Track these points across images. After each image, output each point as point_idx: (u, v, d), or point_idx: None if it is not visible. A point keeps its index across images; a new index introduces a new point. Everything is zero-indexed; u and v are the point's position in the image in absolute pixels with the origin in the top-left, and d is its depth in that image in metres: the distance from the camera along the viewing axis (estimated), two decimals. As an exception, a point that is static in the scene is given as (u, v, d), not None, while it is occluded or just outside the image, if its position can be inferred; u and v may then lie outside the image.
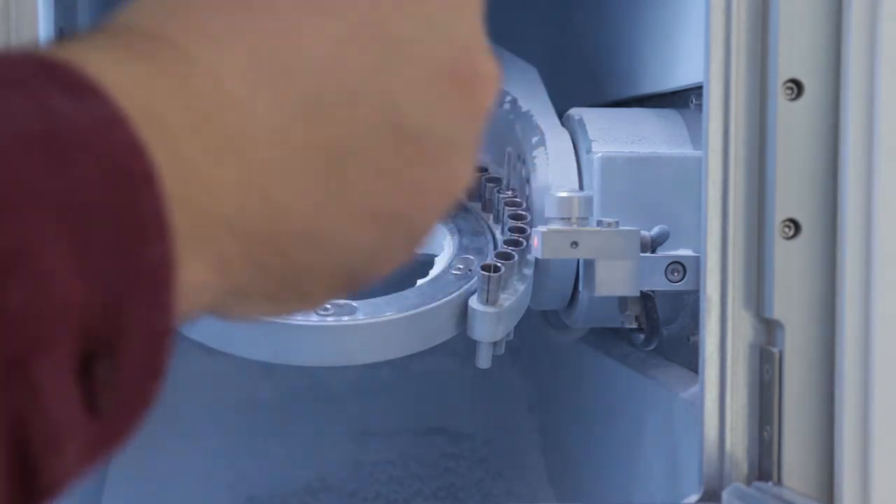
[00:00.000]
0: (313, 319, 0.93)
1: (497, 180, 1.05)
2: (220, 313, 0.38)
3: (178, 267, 0.32)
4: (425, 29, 0.37)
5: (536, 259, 0.99)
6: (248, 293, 0.36)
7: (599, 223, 0.98)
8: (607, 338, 1.24)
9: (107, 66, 0.32)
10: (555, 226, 0.97)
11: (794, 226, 0.82)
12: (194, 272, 0.34)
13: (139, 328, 0.31)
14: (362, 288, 0.39)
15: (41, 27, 0.82)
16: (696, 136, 1.05)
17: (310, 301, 0.38)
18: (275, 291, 0.37)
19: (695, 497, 0.84)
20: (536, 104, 1.12)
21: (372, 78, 0.36)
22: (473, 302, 0.95)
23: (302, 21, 0.35)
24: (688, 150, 1.05)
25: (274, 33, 0.35)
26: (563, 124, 1.11)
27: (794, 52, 0.81)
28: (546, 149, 1.07)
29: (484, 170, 1.07)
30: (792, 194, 0.81)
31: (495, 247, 1.01)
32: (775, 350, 0.82)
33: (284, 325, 0.93)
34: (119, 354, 0.31)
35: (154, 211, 0.31)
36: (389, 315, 0.94)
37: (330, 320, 0.93)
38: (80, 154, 0.30)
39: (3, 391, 0.29)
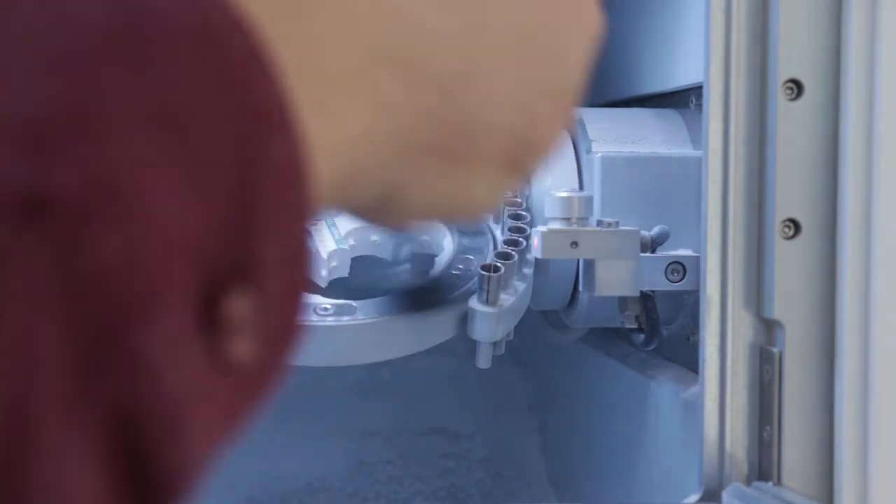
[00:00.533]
0: (313, 319, 0.93)
1: (497, 180, 1.05)
2: (392, 188, 0.33)
3: (327, 122, 0.28)
4: None
5: (536, 259, 0.99)
6: (417, 145, 0.32)
7: (599, 223, 0.98)
8: (607, 338, 1.24)
9: None
10: (555, 226, 0.97)
11: (794, 226, 0.82)
12: (354, 118, 0.30)
13: (274, 243, 0.26)
14: (536, 161, 0.36)
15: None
16: (696, 136, 1.05)
17: (481, 162, 0.34)
18: (448, 147, 0.33)
19: (695, 497, 0.84)
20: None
21: None
22: (473, 302, 0.95)
23: None
24: (688, 150, 1.05)
25: None
26: (563, 124, 1.10)
27: (794, 52, 0.81)
28: (546, 149, 1.07)
29: (484, 170, 1.07)
30: (792, 194, 0.81)
31: (495, 247, 1.01)
32: (775, 350, 0.82)
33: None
34: (255, 281, 0.25)
35: (269, 100, 0.26)
36: (389, 315, 0.94)
37: (330, 320, 0.93)
38: (170, 47, 0.24)
39: (98, 378, 0.22)
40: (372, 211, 0.34)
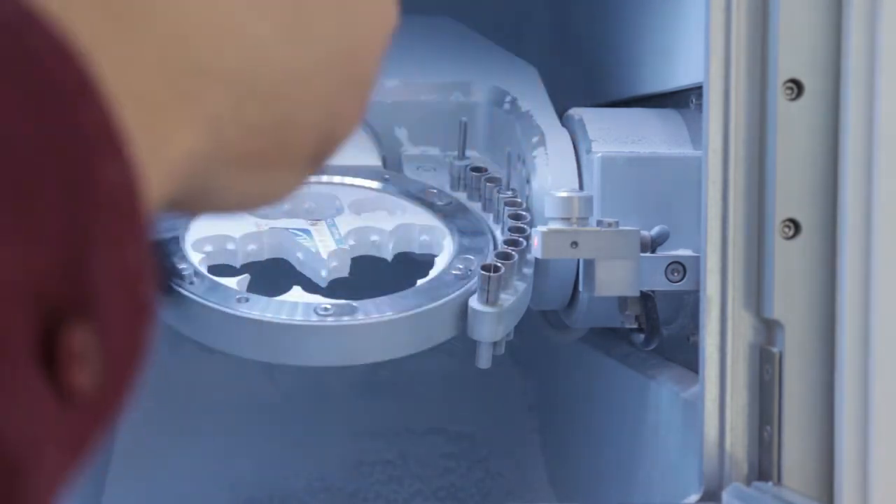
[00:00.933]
0: (313, 319, 0.93)
1: (497, 180, 1.05)
2: (207, 189, 0.34)
3: (156, 146, 0.28)
4: None
5: (536, 259, 0.99)
6: (238, 154, 0.33)
7: (599, 223, 0.98)
8: (607, 338, 1.24)
9: None
10: (555, 226, 0.97)
11: (794, 226, 0.82)
12: (186, 136, 0.30)
13: (111, 266, 0.25)
14: (334, 151, 0.38)
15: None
16: (696, 136, 1.05)
17: (293, 171, 0.36)
18: (263, 150, 0.34)
19: (695, 497, 0.84)
20: (536, 104, 1.12)
21: None
22: (473, 302, 0.95)
23: None
24: (688, 150, 1.05)
25: None
26: (563, 124, 1.10)
27: (794, 52, 0.81)
28: (546, 149, 1.07)
29: (484, 170, 1.07)
30: (792, 194, 0.81)
31: (495, 247, 1.01)
32: (775, 350, 0.82)
33: (284, 325, 0.93)
34: (93, 313, 0.25)
35: (97, 124, 0.25)
36: (389, 315, 0.94)
37: (330, 320, 0.93)
38: None
39: None
40: (182, 206, 0.35)
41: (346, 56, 0.36)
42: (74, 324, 0.25)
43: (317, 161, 0.37)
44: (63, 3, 0.26)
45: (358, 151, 1.08)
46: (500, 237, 1.01)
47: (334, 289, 0.99)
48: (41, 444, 0.24)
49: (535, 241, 0.97)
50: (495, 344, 0.96)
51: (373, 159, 1.10)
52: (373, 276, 1.02)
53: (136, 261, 0.26)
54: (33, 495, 0.24)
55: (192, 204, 0.35)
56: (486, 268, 0.94)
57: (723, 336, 0.84)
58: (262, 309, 0.93)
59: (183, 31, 0.30)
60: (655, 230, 1.00)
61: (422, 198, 1.06)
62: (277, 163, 0.35)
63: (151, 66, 0.29)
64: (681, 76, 1.06)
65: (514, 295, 0.96)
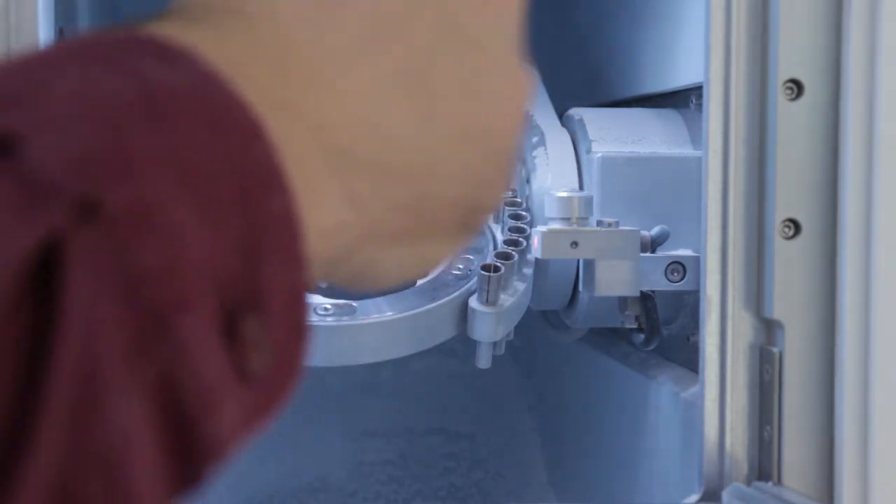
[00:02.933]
0: (313, 320, 0.93)
1: (497, 180, 1.05)
2: (365, 264, 0.37)
3: (309, 213, 0.32)
4: None
5: (536, 259, 0.99)
6: (385, 231, 0.37)
7: (599, 223, 0.98)
8: (607, 338, 1.24)
9: (179, 33, 0.32)
10: (555, 226, 0.97)
11: (794, 226, 0.82)
12: (333, 210, 0.34)
13: (278, 282, 0.30)
14: (483, 221, 0.41)
15: (41, 27, 0.82)
16: (696, 136, 1.05)
17: (440, 232, 0.39)
18: (409, 226, 0.37)
19: (695, 497, 0.84)
20: (536, 104, 1.12)
21: None
22: (473, 302, 0.95)
23: None
24: (688, 150, 1.05)
25: None
26: (563, 124, 1.11)
27: (794, 52, 0.81)
28: (546, 149, 1.07)
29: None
30: (792, 194, 0.81)
31: (495, 247, 1.01)
32: (775, 350, 0.82)
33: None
34: (264, 311, 0.30)
35: (268, 162, 0.31)
36: (389, 315, 0.94)
37: (330, 320, 0.93)
38: (184, 114, 0.30)
39: (148, 352, 0.27)
40: (347, 281, 0.39)
41: (481, 133, 0.38)
42: (249, 317, 0.29)
43: (469, 228, 0.40)
44: (241, 80, 0.32)
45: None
46: (500, 237, 1.01)
47: (334, 289, 0.99)
48: (222, 394, 0.29)
49: (535, 241, 0.97)
50: (495, 344, 0.96)
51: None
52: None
53: (297, 281, 0.31)
54: (215, 426, 0.29)
55: (355, 278, 0.39)
56: (485, 268, 0.94)
57: (723, 336, 0.84)
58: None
59: (327, 121, 0.34)
60: (655, 230, 1.00)
61: (422, 198, 1.06)
62: (426, 235, 0.38)
63: (304, 146, 0.33)
64: (681, 76, 1.06)
65: (513, 295, 0.96)
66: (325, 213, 0.34)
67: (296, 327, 0.31)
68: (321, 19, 0.35)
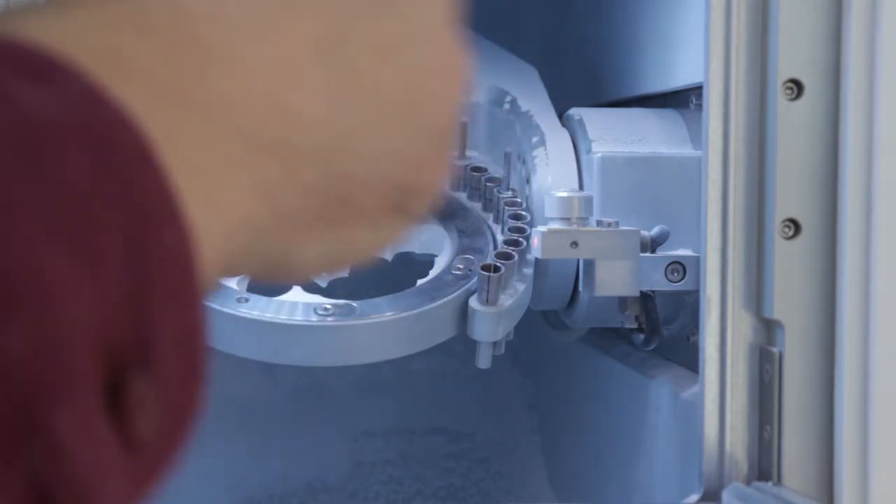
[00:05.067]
0: (313, 319, 0.93)
1: (497, 180, 1.05)
2: (287, 254, 0.35)
3: (210, 208, 0.30)
4: None
5: (536, 259, 0.99)
6: (304, 219, 0.34)
7: (599, 223, 0.98)
8: (607, 338, 1.24)
9: (57, 23, 0.29)
10: (555, 226, 0.97)
11: (794, 226, 0.82)
12: (238, 202, 0.31)
13: (170, 323, 0.27)
14: (423, 202, 0.37)
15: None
16: (696, 136, 1.05)
17: (370, 219, 0.36)
18: (330, 211, 0.34)
19: (695, 497, 0.84)
20: (536, 104, 1.12)
21: None
22: (473, 302, 0.95)
23: None
24: (688, 150, 1.05)
25: None
26: (563, 124, 1.10)
27: (794, 52, 0.81)
28: (546, 149, 1.07)
29: (484, 170, 1.07)
30: (792, 194, 0.81)
31: (495, 247, 1.01)
32: (775, 350, 0.82)
33: (284, 325, 0.93)
34: (153, 363, 0.27)
35: (156, 188, 0.28)
36: (389, 315, 0.94)
37: (330, 320, 0.93)
38: (59, 144, 0.26)
39: (19, 454, 0.24)
40: (264, 274, 0.36)
41: (407, 108, 0.36)
42: (136, 374, 0.27)
43: (403, 212, 0.37)
44: (119, 79, 0.29)
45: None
46: (500, 237, 1.01)
47: (334, 289, 0.99)
48: (105, 482, 0.26)
49: (535, 241, 0.97)
50: (495, 344, 0.96)
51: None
52: (373, 275, 1.02)
53: (192, 320, 0.28)
54: None
55: (271, 270, 0.36)
56: (486, 268, 0.94)
57: (723, 336, 0.84)
58: (262, 309, 0.93)
59: (227, 103, 0.31)
60: (655, 230, 1.00)
61: (422, 198, 1.06)
62: (351, 221, 0.35)
63: (200, 136, 0.30)
64: (681, 76, 1.06)
65: (513, 295, 0.96)
66: (228, 205, 0.31)
67: (189, 373, 0.28)
68: None
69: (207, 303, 0.29)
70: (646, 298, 1.01)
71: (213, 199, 0.31)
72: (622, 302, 1.03)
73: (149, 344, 0.27)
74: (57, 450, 0.25)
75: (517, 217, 1.00)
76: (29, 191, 0.25)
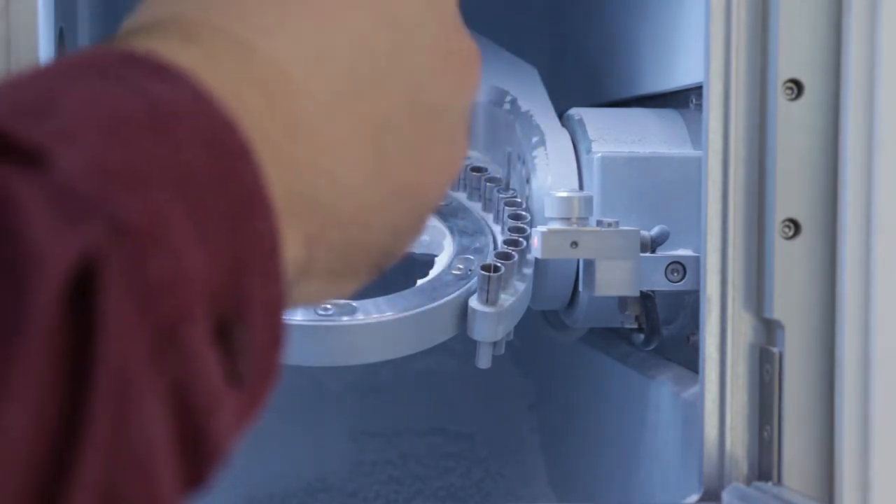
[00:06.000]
0: (313, 319, 0.93)
1: (497, 180, 1.05)
2: (294, 294, 0.39)
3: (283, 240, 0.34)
4: (425, 13, 0.41)
5: (536, 259, 0.99)
6: (316, 270, 0.39)
7: (599, 223, 0.98)
8: (607, 338, 1.24)
9: (172, 52, 0.34)
10: (555, 226, 0.97)
11: (794, 226, 0.82)
12: (293, 248, 0.36)
13: (260, 295, 0.32)
14: (387, 266, 0.43)
15: (41, 27, 0.82)
16: (696, 136, 1.05)
17: (355, 280, 0.41)
18: (335, 268, 0.40)
19: (695, 497, 0.84)
20: (536, 104, 1.12)
21: (395, 60, 0.39)
22: (473, 302, 0.95)
23: (333, 12, 0.38)
24: (688, 150, 1.05)
25: (310, 22, 0.38)
26: (563, 124, 1.10)
27: (794, 52, 0.81)
28: (546, 149, 1.07)
29: (484, 170, 1.07)
30: (792, 194, 0.81)
31: (495, 247, 1.01)
32: (775, 350, 0.82)
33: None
34: (248, 321, 0.32)
35: (256, 183, 0.32)
36: (389, 315, 0.94)
37: (330, 320, 0.93)
38: (183, 130, 0.31)
39: (163, 360, 0.29)
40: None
41: (413, 191, 0.41)
42: (235, 326, 0.32)
43: (377, 270, 0.42)
44: (231, 104, 0.33)
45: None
46: (500, 237, 1.01)
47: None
48: (219, 396, 0.31)
49: (535, 241, 0.97)
50: (495, 344, 0.96)
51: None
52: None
53: (277, 293, 0.33)
54: (218, 424, 0.31)
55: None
56: (486, 268, 0.94)
57: (723, 336, 0.84)
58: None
59: (301, 162, 0.36)
60: (655, 230, 1.00)
61: (422, 198, 1.06)
62: (344, 274, 0.41)
63: (277, 179, 0.35)
64: (681, 76, 1.06)
65: (513, 295, 0.96)
66: (289, 246, 0.36)
67: (274, 336, 0.33)
68: (314, 59, 0.37)
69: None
70: (646, 298, 1.01)
71: (283, 234, 0.35)
72: (622, 302, 1.03)
73: (245, 303, 0.32)
74: (189, 357, 0.30)
75: (517, 217, 1.00)
76: (163, 159, 0.30)
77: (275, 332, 0.33)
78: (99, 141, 0.30)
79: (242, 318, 0.32)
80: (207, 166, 0.31)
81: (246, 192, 0.32)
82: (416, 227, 0.43)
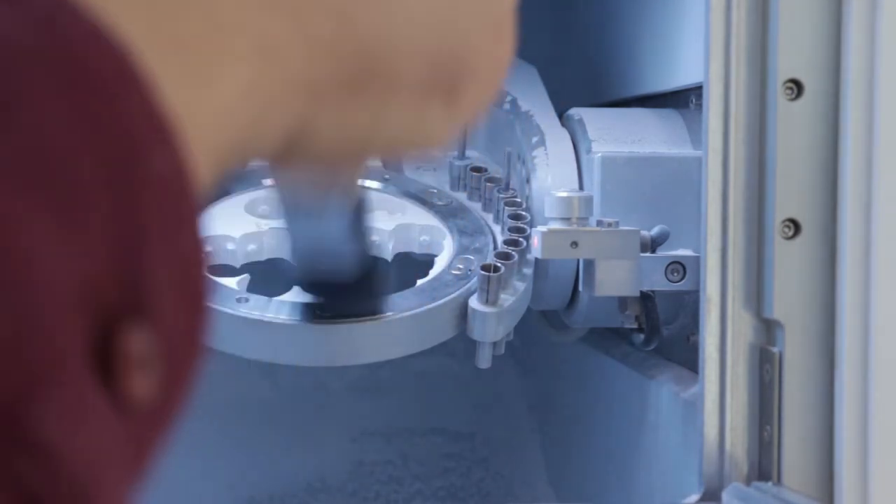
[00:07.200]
0: (313, 320, 0.93)
1: (497, 180, 1.05)
2: (305, 127, 0.30)
3: (203, 85, 0.26)
4: None
5: (536, 259, 0.99)
6: (318, 83, 0.29)
7: (599, 223, 0.98)
8: (607, 338, 1.24)
9: None
10: (555, 226, 0.97)
11: (794, 226, 0.82)
12: (237, 69, 0.27)
13: (163, 257, 0.24)
14: (475, 93, 0.32)
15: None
16: (696, 136, 1.05)
17: (398, 91, 0.31)
18: (355, 77, 0.29)
19: (695, 497, 0.84)
20: (536, 104, 1.12)
21: None
22: (473, 302, 0.95)
23: None
24: (688, 150, 1.05)
25: None
26: (563, 124, 1.10)
27: (794, 52, 0.81)
28: (546, 149, 1.07)
29: (484, 170, 1.07)
30: (792, 194, 0.81)
31: (495, 247, 1.01)
32: (775, 350, 0.82)
33: (284, 325, 0.93)
34: (147, 303, 0.24)
35: (141, 108, 0.24)
36: (389, 315, 0.94)
37: (330, 320, 0.93)
38: (30, 86, 0.22)
39: (2, 464, 0.21)
40: (281, 158, 0.31)
41: None
42: (131, 326, 0.23)
43: (452, 97, 0.32)
44: None
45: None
46: (500, 237, 1.01)
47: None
48: (104, 462, 0.23)
49: (535, 241, 0.97)
50: (495, 344, 0.96)
51: (372, 160, 1.10)
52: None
53: (191, 249, 0.25)
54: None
55: (289, 154, 0.31)
56: (486, 268, 0.94)
57: (723, 336, 0.84)
58: (262, 309, 0.93)
59: None
60: (655, 230, 1.00)
61: (422, 198, 1.06)
62: (380, 90, 0.30)
63: (189, 4, 0.26)
64: (681, 76, 1.06)
65: (513, 295, 0.96)
66: (228, 75, 0.27)
67: (189, 309, 0.25)
68: None
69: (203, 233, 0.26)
70: (646, 298, 1.01)
71: (210, 71, 0.27)
72: (622, 302, 1.03)
73: (144, 289, 0.24)
74: (44, 452, 0.22)
75: (517, 217, 1.00)
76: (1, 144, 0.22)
77: (191, 300, 0.25)
78: None
79: (139, 307, 0.23)
80: (63, 126, 0.22)
81: (124, 134, 0.23)
82: (487, 36, 0.33)
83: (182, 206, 0.25)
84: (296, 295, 0.95)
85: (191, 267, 0.25)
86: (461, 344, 1.00)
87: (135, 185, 0.23)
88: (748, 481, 0.83)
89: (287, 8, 0.27)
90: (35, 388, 0.21)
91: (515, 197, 1.03)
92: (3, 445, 0.21)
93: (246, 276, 0.97)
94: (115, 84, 0.24)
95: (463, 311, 0.96)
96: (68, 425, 0.22)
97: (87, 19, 0.24)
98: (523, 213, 1.01)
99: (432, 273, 0.99)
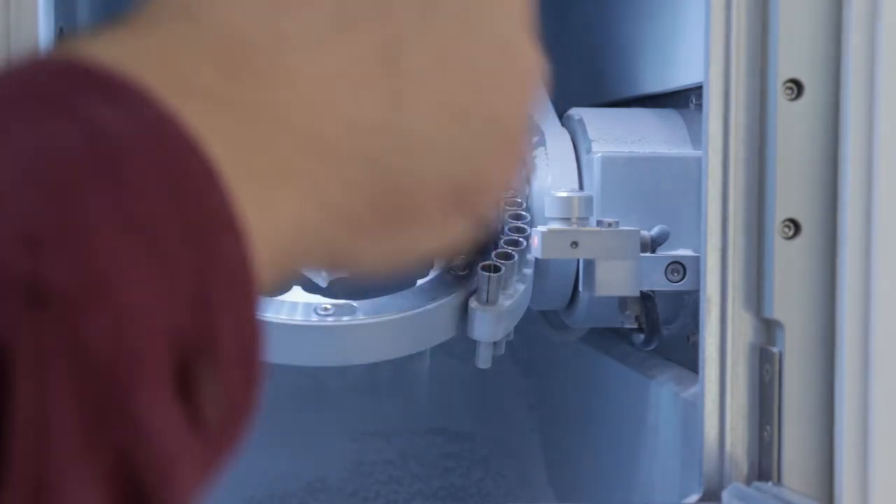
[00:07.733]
0: (313, 319, 0.93)
1: (497, 180, 1.05)
2: (340, 256, 0.36)
3: (263, 216, 0.32)
4: None
5: (536, 259, 0.99)
6: (357, 218, 0.35)
7: (599, 223, 0.98)
8: (607, 338, 1.24)
9: (120, 50, 0.31)
10: (555, 226, 0.97)
11: (794, 226, 0.82)
12: (293, 206, 0.33)
13: (231, 325, 0.30)
14: (486, 201, 0.38)
15: (41, 27, 0.82)
16: (696, 136, 1.05)
17: (426, 218, 0.36)
18: (383, 211, 0.35)
19: (695, 497, 0.84)
20: (536, 104, 1.12)
21: None
22: (473, 302, 0.95)
23: None
24: (688, 150, 1.05)
25: None
26: (563, 124, 1.10)
27: (794, 52, 0.81)
28: (546, 149, 1.07)
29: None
30: (792, 194, 0.81)
31: (495, 247, 1.01)
32: (775, 350, 0.82)
33: (284, 325, 0.93)
34: (217, 357, 0.29)
35: (221, 207, 0.30)
36: (389, 315, 0.94)
37: (330, 320, 0.93)
38: (132, 163, 0.29)
39: (106, 432, 0.27)
40: (328, 268, 0.38)
41: (466, 108, 0.36)
42: (203, 365, 0.29)
43: (467, 211, 0.38)
44: (179, 96, 0.31)
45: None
46: (500, 237, 1.01)
47: (334, 289, 0.99)
48: (178, 458, 0.28)
49: (535, 241, 0.97)
50: (495, 344, 0.96)
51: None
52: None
53: (251, 319, 0.30)
54: (173, 498, 0.28)
55: (339, 267, 0.38)
56: (485, 268, 0.94)
57: (723, 336, 0.84)
58: (262, 309, 0.93)
59: (283, 114, 0.33)
60: (655, 230, 1.00)
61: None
62: (409, 219, 0.36)
63: (257, 145, 0.32)
64: (681, 76, 1.06)
65: (513, 295, 0.96)
66: (284, 210, 0.33)
67: (247, 373, 0.30)
68: (273, 5, 0.34)
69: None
70: (646, 298, 1.01)
71: (271, 204, 0.32)
72: (622, 302, 1.03)
73: (214, 339, 0.29)
74: (138, 428, 0.27)
75: (517, 217, 1.00)
76: (108, 203, 0.28)
77: (248, 368, 0.30)
78: (27, 195, 0.27)
79: (210, 355, 0.29)
80: (162, 198, 0.29)
81: (208, 217, 0.29)
82: (499, 157, 0.37)
83: (246, 287, 0.30)
84: (296, 295, 0.96)
85: (250, 332, 0.30)
86: (461, 344, 1.00)
87: (213, 256, 0.29)
88: (748, 481, 0.83)
89: (332, 157, 0.34)
90: (131, 381, 0.27)
91: (515, 197, 1.03)
92: (105, 419, 0.27)
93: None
94: (205, 179, 0.30)
95: (463, 311, 0.96)
96: (155, 415, 0.27)
97: (182, 128, 0.30)
98: (523, 213, 1.01)
99: (432, 273, 0.99)
